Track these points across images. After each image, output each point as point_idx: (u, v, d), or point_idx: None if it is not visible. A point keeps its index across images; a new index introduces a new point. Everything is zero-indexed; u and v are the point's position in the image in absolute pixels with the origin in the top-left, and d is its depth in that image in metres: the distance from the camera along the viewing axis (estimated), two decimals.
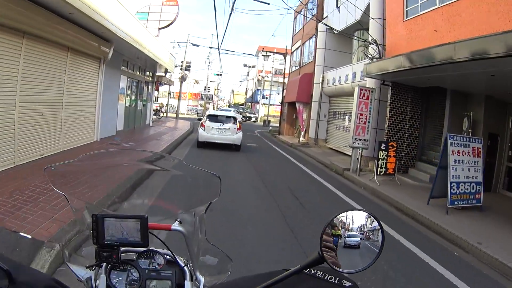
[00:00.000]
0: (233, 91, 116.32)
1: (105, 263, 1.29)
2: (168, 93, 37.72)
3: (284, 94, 26.96)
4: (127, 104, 16.59)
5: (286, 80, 29.18)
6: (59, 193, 1.39)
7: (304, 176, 12.06)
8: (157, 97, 55.41)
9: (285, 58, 27.88)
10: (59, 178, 1.47)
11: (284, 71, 26.80)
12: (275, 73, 25.06)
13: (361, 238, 1.10)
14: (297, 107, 23.09)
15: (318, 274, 1.13)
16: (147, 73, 19.91)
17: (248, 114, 44.16)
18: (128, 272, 1.31)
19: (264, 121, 39.32)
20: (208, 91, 56.56)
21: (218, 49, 33.70)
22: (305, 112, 23.35)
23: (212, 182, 1.45)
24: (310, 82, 22.66)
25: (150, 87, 20.78)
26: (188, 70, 34.29)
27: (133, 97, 17.47)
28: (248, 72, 65.30)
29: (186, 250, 1.42)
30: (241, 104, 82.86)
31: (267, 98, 48.91)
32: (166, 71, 20.84)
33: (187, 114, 55.80)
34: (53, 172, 1.41)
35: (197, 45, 35.79)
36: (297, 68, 26.66)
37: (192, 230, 1.44)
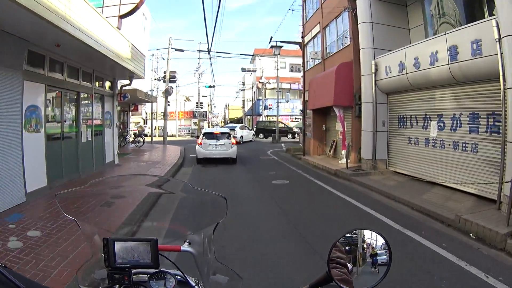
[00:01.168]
0: (227, 106, 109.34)
1: (117, 285, 1.33)
2: (152, 113, 29.95)
3: (305, 99, 19.34)
4: (54, 135, 9.03)
5: (298, 83, 21.66)
6: (70, 218, 1.41)
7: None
8: (145, 120, 48.26)
9: (301, 47, 20.39)
10: (70, 204, 1.52)
11: (304, 65, 19.25)
12: (291, 70, 17.63)
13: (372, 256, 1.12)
14: (338, 115, 15.60)
15: None
16: (100, 82, 12.36)
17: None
18: None
19: (273, 136, 31.79)
20: (201, 107, 49.22)
21: (209, 51, 26.32)
22: (345, 120, 15.94)
23: (219, 203, 1.51)
24: (350, 76, 15.25)
25: (110, 103, 13.21)
26: (173, 81, 26.88)
27: (68, 122, 9.87)
28: (243, 82, 58.00)
29: (196, 270, 1.45)
30: (237, 119, 75.72)
31: (271, 108, 41.55)
32: (131, 77, 13.28)
33: (178, 135, 48.23)
34: (63, 198, 1.50)
35: (181, 50, 28.06)
36: (318, 61, 19.24)
37: (201, 250, 1.48)
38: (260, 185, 11.42)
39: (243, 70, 35.45)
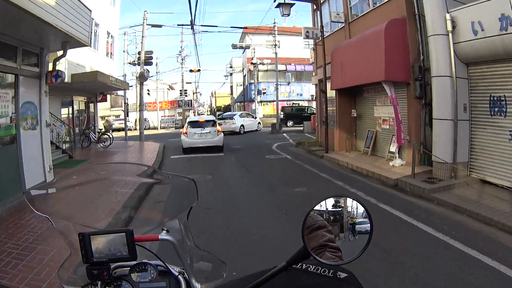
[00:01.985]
0: (213, 93, 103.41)
1: (99, 281, 1.30)
2: (125, 103, 24.84)
3: (325, 76, 14.31)
4: None
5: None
6: (42, 216, 1.38)
7: None
8: (127, 112, 43.22)
9: (315, 9, 15.29)
10: (41, 201, 1.49)
11: (322, 32, 14.13)
12: (306, 37, 12.92)
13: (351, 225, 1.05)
14: (390, 95, 10.70)
15: (311, 269, 1.08)
16: (11, 54, 7.17)
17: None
18: (123, 287, 1.34)
19: (273, 125, 26.86)
20: (185, 95, 43.93)
21: (192, 26, 21.05)
22: (389, 103, 11.11)
23: (189, 186, 1.47)
24: (403, 39, 10.37)
25: (34, 89, 8.03)
26: (150, 63, 21.66)
27: None
28: (231, 66, 52.61)
29: (179, 259, 1.39)
30: (225, 107, 70.42)
31: (265, 93, 36.49)
32: (65, 43, 8.06)
33: (161, 128, 42.88)
34: (33, 196, 1.46)
35: (159, 26, 22.70)
36: (341, 25, 14.23)
37: (180, 238, 1.43)
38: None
39: (234, 47, 30.23)
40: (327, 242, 1.02)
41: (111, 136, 17.78)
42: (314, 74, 18.03)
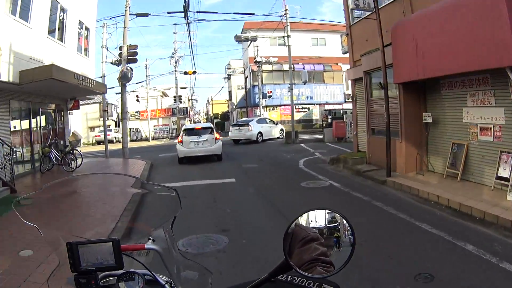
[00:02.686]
0: (209, 100, 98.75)
1: None
2: (105, 111, 20.48)
3: (386, 64, 9.72)
4: None
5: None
6: (29, 225, 1.40)
7: None
8: (116, 122, 38.95)
9: None
10: (29, 210, 1.51)
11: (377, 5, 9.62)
12: (356, 6, 8.91)
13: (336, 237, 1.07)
14: None
15: (295, 281, 1.07)
16: None
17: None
18: None
19: (288, 133, 22.42)
20: (180, 102, 39.43)
21: (186, 13, 16.68)
22: (492, 103, 6.70)
23: (173, 196, 1.52)
24: None
25: None
26: (134, 60, 17.11)
27: None
28: (229, 66, 48.13)
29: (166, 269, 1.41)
30: (223, 115, 65.87)
31: (270, 96, 32.02)
32: None
33: (153, 139, 38.30)
34: (21, 205, 1.52)
35: (146, 15, 18.16)
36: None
37: (166, 247, 1.45)
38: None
39: (238, 38, 26.04)
40: (320, 256, 0.99)
41: (78, 154, 13.15)
42: (350, 66, 13.57)
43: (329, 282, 1.08)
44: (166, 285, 1.41)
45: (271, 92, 31.71)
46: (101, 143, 34.47)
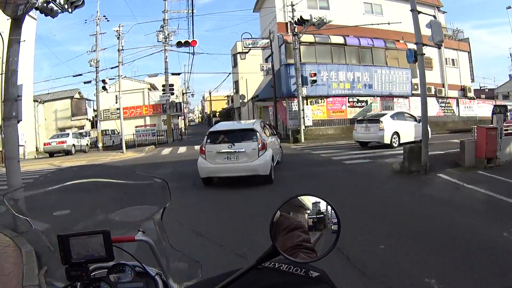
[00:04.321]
0: (205, 97, 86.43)
1: (79, 283, 1.32)
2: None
3: None
4: None
5: None
6: (21, 218, 1.44)
7: None
8: (93, 121, 28.08)
9: None
10: (20, 203, 1.53)
11: None
12: None
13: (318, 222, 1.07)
14: None
15: (283, 267, 1.09)
16: None
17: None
18: None
19: (411, 150, 10.09)
20: (171, 93, 27.61)
21: None
22: None
23: (162, 187, 1.51)
24: None
25: None
26: None
27: None
28: (237, 53, 36.14)
29: (155, 260, 1.42)
30: (225, 113, 53.87)
31: (315, 81, 19.94)
32: None
33: (130, 148, 25.93)
34: (12, 198, 1.49)
35: None
36: None
37: (156, 238, 1.46)
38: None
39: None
40: (302, 242, 1.02)
41: None
42: None
43: (315, 268, 1.08)
44: (156, 276, 1.41)
45: (315, 75, 19.83)
46: (55, 155, 22.50)
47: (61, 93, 39.82)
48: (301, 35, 19.60)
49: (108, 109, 36.02)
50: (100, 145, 27.39)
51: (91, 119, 38.78)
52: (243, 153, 8.95)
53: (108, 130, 31.26)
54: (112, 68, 27.26)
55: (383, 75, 23.49)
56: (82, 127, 37.57)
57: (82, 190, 1.80)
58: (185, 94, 52.97)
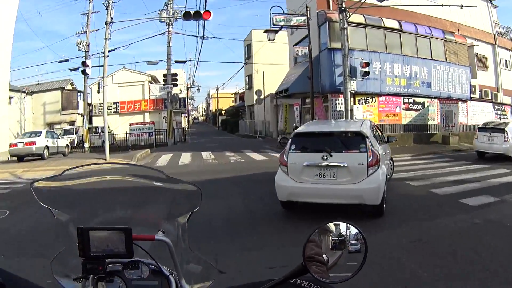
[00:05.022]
0: (210, 95, 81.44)
1: (92, 275, 1.33)
2: None
3: None
4: None
5: None
6: (44, 206, 1.45)
7: None
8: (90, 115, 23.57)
9: None
10: (46, 193, 1.55)
11: None
12: None
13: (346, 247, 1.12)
14: None
15: (304, 284, 1.12)
16: None
17: None
18: (115, 283, 1.37)
19: None
20: (175, 84, 22.81)
21: None
22: None
23: (193, 192, 1.52)
24: None
25: None
26: None
27: None
28: (249, 44, 31.21)
29: (170, 260, 1.44)
30: (233, 112, 48.84)
31: (367, 73, 14.91)
32: None
33: (120, 150, 20.88)
34: (38, 187, 1.51)
35: None
36: None
37: (175, 239, 1.48)
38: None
39: None
40: (314, 255, 1.05)
41: None
42: None
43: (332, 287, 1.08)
44: (170, 276, 1.42)
45: (367, 65, 14.83)
46: (25, 158, 17.27)
47: (52, 83, 35.77)
48: (350, 14, 14.54)
49: (103, 103, 32.32)
50: (86, 145, 22.48)
51: (83, 114, 34.37)
52: (344, 170, 6.08)
53: (98, 127, 26.45)
54: (107, 52, 21.97)
55: (442, 72, 18.46)
56: (73, 123, 33.11)
57: (111, 186, 1.77)
58: (190, 89, 47.98)
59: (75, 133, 26.76)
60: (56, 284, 1.45)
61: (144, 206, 1.79)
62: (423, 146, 16.17)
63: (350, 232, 1.12)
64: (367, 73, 14.97)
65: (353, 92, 15.09)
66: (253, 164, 12.67)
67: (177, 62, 24.45)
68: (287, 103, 20.58)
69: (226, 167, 11.88)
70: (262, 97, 28.42)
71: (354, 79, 14.89)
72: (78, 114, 34.62)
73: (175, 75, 23.68)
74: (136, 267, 1.39)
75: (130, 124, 25.96)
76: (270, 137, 27.76)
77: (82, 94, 35.61)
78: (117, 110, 33.52)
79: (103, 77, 17.53)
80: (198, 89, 45.40)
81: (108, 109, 32.98)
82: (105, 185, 1.79)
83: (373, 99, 16.18)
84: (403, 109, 17.10)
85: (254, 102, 33.86)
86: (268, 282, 1.05)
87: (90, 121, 32.10)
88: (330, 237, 1.12)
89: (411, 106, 17.41)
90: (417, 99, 17.58)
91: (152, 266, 1.42)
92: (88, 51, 22.39)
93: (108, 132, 26.54)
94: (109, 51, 17.66)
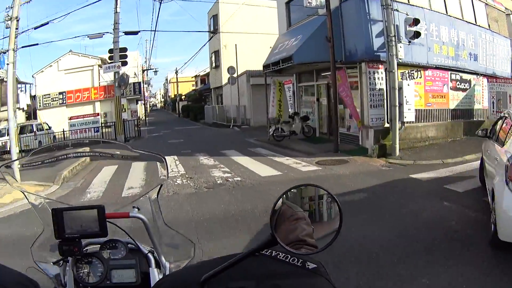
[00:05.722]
0: (168, 80, 74.07)
1: (71, 258, 1.35)
2: None
3: None
4: None
5: None
6: (16, 189, 1.47)
7: None
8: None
9: None
10: (17, 175, 1.62)
11: None
12: None
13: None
14: None
15: (280, 256, 1.04)
16: None
17: None
18: (93, 264, 1.37)
19: None
20: (123, 61, 16.69)
21: None
22: None
23: (159, 163, 1.50)
24: None
25: None
26: None
27: None
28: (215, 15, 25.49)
29: (148, 238, 1.41)
30: (196, 96, 42.79)
31: (418, 33, 9.83)
32: None
33: (52, 166, 14.71)
34: (9, 170, 1.51)
35: None
36: None
37: (150, 216, 1.45)
38: None
39: None
40: (306, 238, 1.00)
41: None
42: None
43: (311, 260, 1.05)
44: (149, 254, 1.41)
45: (416, 22, 9.76)
46: None
47: None
48: None
49: (49, 95, 27.97)
50: (14, 150, 15.99)
51: (24, 108, 28.10)
52: None
53: (32, 124, 20.43)
54: (37, 28, 15.48)
55: (487, 42, 13.80)
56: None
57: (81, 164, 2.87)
58: (146, 72, 41.47)
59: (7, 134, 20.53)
60: (37, 269, 1.40)
61: (115, 182, 2.58)
62: (476, 140, 11.47)
63: (321, 196, 1.02)
64: (417, 34, 9.87)
65: (403, 62, 9.97)
66: (266, 188, 7.14)
67: (127, 33, 18.24)
68: (279, 80, 15.09)
69: (217, 209, 5.96)
70: (235, 75, 22.91)
71: (399, 43, 9.74)
72: (19, 109, 28.57)
73: (124, 50, 17.60)
74: (114, 247, 1.38)
75: (70, 118, 19.81)
76: (248, 126, 22.44)
77: (24, 85, 30.07)
78: (64, 101, 28.42)
79: (8, 49, 11.33)
80: (155, 72, 38.85)
81: (53, 101, 27.95)
82: (71, 162, 2.73)
83: (419, 73, 11.09)
84: (450, 88, 12.21)
85: (223, 83, 28.24)
86: (240, 254, 0.96)
87: (34, 117, 27.03)
88: (308, 204, 1.02)
89: (458, 84, 12.55)
90: (464, 76, 12.77)
91: (130, 245, 1.41)
92: (18, 28, 15.93)
93: (46, 129, 20.45)
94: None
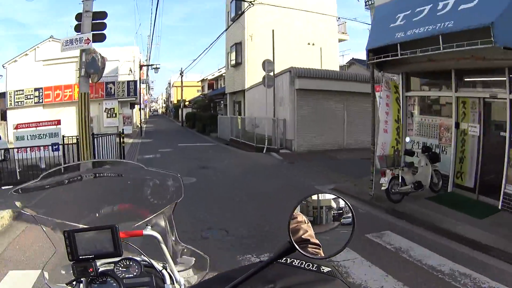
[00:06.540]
0: (171, 84, 67.01)
1: (84, 279, 1.30)
2: None
3: None
4: None
5: None
6: (27, 214, 1.41)
7: None
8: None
9: None
10: (27, 199, 1.50)
11: None
12: None
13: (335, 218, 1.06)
14: None
15: (295, 263, 1.07)
16: None
17: None
18: (108, 283, 1.33)
19: None
20: (100, 38, 9.19)
21: None
22: None
23: (174, 182, 1.54)
24: None
25: None
26: None
27: None
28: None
29: (161, 254, 1.42)
30: (204, 104, 35.44)
31: None
32: None
33: None
34: (19, 194, 1.47)
35: None
36: None
37: (164, 233, 1.47)
38: None
39: None
40: (308, 237, 1.02)
41: None
42: None
43: (327, 264, 1.07)
44: (163, 270, 1.39)
45: None
46: None
47: None
48: None
49: (22, 91, 24.08)
50: None
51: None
52: None
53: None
54: None
55: None
56: None
57: (92, 184, 1.67)
58: (146, 70, 34.36)
59: None
60: None
61: (129, 201, 1.62)
62: None
63: (338, 204, 1.04)
64: None
65: None
66: None
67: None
68: (395, 83, 7.56)
69: None
70: (272, 74, 15.59)
71: None
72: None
73: (102, 15, 10.30)
74: (128, 265, 1.35)
75: (16, 128, 12.32)
76: (290, 151, 15.06)
77: None
78: (41, 100, 24.19)
79: None
80: (156, 69, 31.55)
81: (27, 98, 23.77)
82: (86, 185, 1.66)
83: None
84: None
85: (246, 85, 20.93)
86: (258, 264, 0.97)
87: (2, 118, 23.78)
88: (317, 209, 1.05)
89: None
90: None
91: (144, 263, 1.40)
92: None
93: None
94: None
